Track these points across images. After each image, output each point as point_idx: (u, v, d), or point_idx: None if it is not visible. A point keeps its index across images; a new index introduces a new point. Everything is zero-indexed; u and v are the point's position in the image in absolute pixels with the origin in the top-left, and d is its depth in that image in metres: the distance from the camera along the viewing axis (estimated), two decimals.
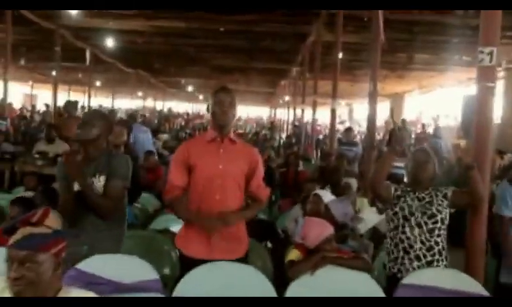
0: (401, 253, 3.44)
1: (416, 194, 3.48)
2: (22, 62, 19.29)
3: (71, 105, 8.85)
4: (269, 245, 4.70)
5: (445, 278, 3.27)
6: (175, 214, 3.57)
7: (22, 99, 33.12)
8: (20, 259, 1.99)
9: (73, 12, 11.59)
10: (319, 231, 3.44)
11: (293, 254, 3.48)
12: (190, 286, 3.08)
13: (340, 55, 10.55)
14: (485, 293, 3.22)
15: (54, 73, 15.31)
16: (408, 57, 15.37)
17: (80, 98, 21.79)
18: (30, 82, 29.54)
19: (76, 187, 3.19)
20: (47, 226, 2.08)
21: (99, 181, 3.26)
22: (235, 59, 18.71)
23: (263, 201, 3.37)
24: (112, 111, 14.47)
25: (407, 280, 3.25)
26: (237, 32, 13.15)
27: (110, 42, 14.75)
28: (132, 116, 11.46)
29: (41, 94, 32.54)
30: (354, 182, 6.55)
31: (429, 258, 3.39)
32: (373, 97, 6.60)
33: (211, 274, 3.11)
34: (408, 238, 3.41)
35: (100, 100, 26.94)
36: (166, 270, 3.88)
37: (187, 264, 3.20)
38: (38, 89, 32.29)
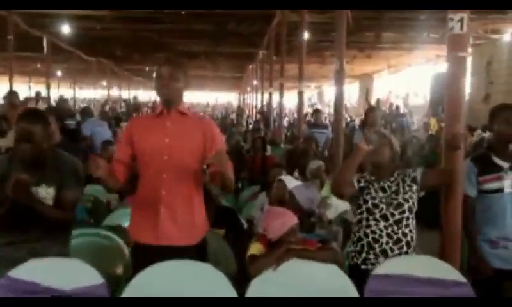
0: (366, 248, 3.15)
1: (381, 183, 3.18)
2: None
3: (13, 95, 8.56)
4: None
5: (420, 265, 3.01)
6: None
7: None
8: None
9: None
10: (281, 221, 3.12)
11: (255, 248, 3.17)
12: (141, 285, 2.75)
13: (306, 36, 10.27)
14: (462, 279, 2.98)
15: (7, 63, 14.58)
16: (375, 35, 15.15)
17: (42, 89, 21.02)
18: None
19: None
20: None
21: (47, 193, 2.92)
22: (201, 44, 18.26)
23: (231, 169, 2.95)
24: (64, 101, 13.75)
25: (378, 270, 2.98)
26: (199, 15, 12.71)
27: (66, 29, 14.13)
28: (85, 110, 10.99)
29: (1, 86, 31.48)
30: (319, 164, 6.26)
31: (396, 252, 3.11)
32: (340, 77, 6.30)
33: (163, 272, 2.77)
34: (373, 232, 3.13)
35: (63, 91, 26.10)
36: (119, 271, 3.53)
37: (136, 250, 3.00)
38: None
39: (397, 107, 18.96)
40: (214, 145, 2.90)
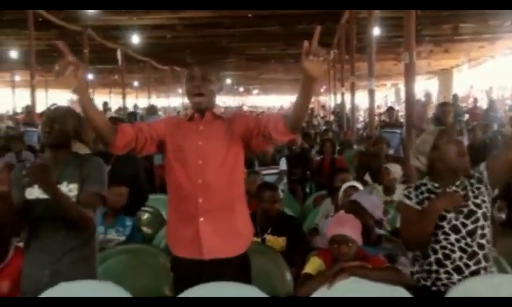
0: (434, 266, 2.65)
1: (446, 190, 2.68)
2: (57, 68, 19.20)
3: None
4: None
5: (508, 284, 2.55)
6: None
7: (70, 105, 33.50)
8: None
9: (93, 11, 11.25)
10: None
11: (313, 264, 2.85)
12: None
13: (377, 31, 9.81)
14: None
15: (89, 76, 15.06)
16: (453, 28, 14.30)
17: (119, 100, 21.64)
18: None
19: (33, 195, 2.65)
20: None
21: (69, 190, 2.69)
22: (271, 47, 18.08)
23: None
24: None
25: (454, 292, 2.54)
26: (267, 17, 12.52)
27: (137, 39, 14.38)
28: (150, 109, 11.01)
29: None
30: (397, 168, 5.81)
31: (473, 268, 2.60)
32: (410, 71, 5.82)
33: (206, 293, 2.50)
34: (442, 247, 2.63)
35: (141, 101, 26.84)
36: (166, 291, 3.28)
37: (176, 264, 2.70)
38: None
39: (475, 100, 17.79)
40: (248, 122, 2.60)
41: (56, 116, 2.74)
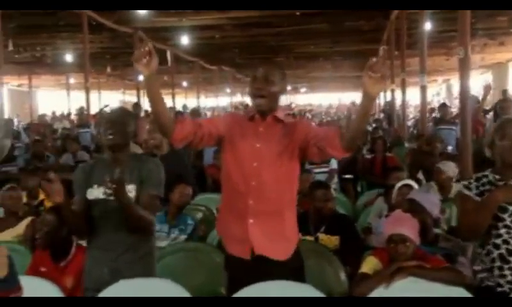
0: (498, 263, 2.56)
1: (508, 183, 2.57)
2: (109, 70, 19.75)
3: (137, 107, 8.74)
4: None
5: None
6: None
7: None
8: None
9: (143, 12, 11.44)
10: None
11: (369, 264, 2.82)
12: None
13: (429, 26, 9.59)
14: None
15: (139, 77, 15.33)
16: (509, 20, 13.82)
17: (168, 101, 21.99)
18: (121, 89, 30.47)
19: (93, 196, 2.72)
20: None
21: (128, 192, 2.74)
22: (319, 45, 17.94)
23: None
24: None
25: None
26: (315, 15, 12.43)
27: (186, 40, 14.55)
28: (194, 111, 11.11)
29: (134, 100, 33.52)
30: (450, 166, 5.66)
31: None
32: (465, 66, 5.66)
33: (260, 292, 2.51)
34: (505, 241, 2.54)
35: (190, 101, 27.19)
36: (222, 290, 3.31)
37: (229, 262, 2.74)
38: (131, 96, 33.25)
39: None
40: (311, 134, 2.58)
41: (116, 118, 2.80)
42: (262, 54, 19.53)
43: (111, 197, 2.60)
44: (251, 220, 2.60)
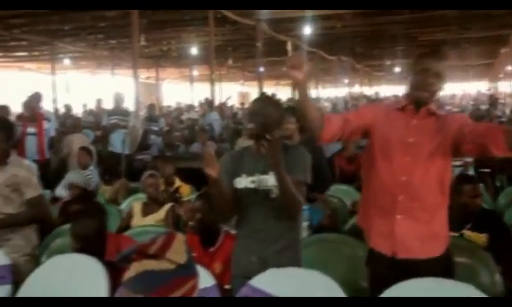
0: None
1: None
2: (230, 62, 20.26)
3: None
4: None
5: None
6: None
7: (237, 97, 35.18)
8: None
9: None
10: None
11: None
12: None
13: None
14: None
15: (260, 69, 15.55)
16: None
17: (287, 91, 22.16)
18: (241, 81, 31.17)
19: (242, 185, 2.74)
20: (169, 260, 1.60)
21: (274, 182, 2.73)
22: (446, 32, 17.06)
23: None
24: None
25: None
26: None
27: (308, 30, 14.48)
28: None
29: (254, 91, 34.15)
30: None
31: None
32: None
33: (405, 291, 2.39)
34: None
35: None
36: (364, 284, 3.22)
37: (372, 257, 2.66)
38: (250, 87, 33.94)
39: None
40: (462, 127, 2.44)
41: (258, 107, 2.78)
42: (384, 42, 19.02)
43: (260, 187, 2.62)
44: (399, 216, 2.51)
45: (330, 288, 2.52)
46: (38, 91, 8.43)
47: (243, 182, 2.72)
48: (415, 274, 2.45)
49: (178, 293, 1.53)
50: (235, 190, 2.74)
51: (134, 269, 1.56)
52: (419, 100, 2.52)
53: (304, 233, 3.74)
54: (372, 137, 2.62)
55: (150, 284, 1.52)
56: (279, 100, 8.76)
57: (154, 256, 1.56)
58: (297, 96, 2.45)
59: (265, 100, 2.88)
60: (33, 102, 8.03)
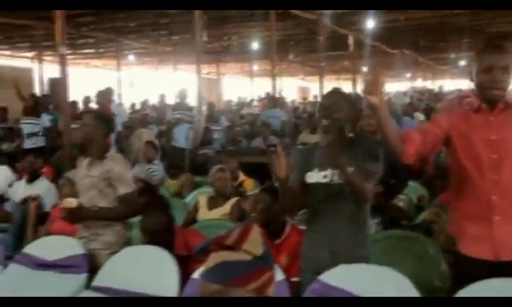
0: None
1: None
2: (291, 57, 20.18)
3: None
4: None
5: None
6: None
7: (297, 92, 35.05)
8: (210, 295, 1.56)
9: None
10: None
11: None
12: None
13: None
14: None
15: (322, 64, 15.40)
16: None
17: (348, 85, 21.88)
18: (301, 76, 31.04)
19: (313, 179, 2.71)
20: (246, 251, 1.60)
21: None
22: None
23: None
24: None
25: None
26: None
27: (371, 24, 14.23)
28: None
29: (315, 85, 33.93)
30: None
31: None
32: None
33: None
34: None
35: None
36: (437, 283, 3.14)
37: (461, 262, 2.57)
38: (310, 82, 33.75)
39: None
40: None
41: (330, 103, 2.75)
42: (448, 35, 18.41)
43: (333, 182, 2.59)
44: (497, 218, 2.43)
45: (403, 286, 2.47)
46: (110, 86, 8.72)
47: (315, 177, 2.70)
48: None
49: (254, 285, 1.53)
50: (306, 185, 2.73)
51: (212, 260, 1.57)
52: (491, 99, 2.45)
53: (373, 230, 3.68)
54: (453, 144, 2.56)
55: (228, 274, 1.53)
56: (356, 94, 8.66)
57: (231, 248, 1.57)
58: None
59: (340, 94, 2.83)
60: (103, 97, 8.31)
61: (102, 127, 3.60)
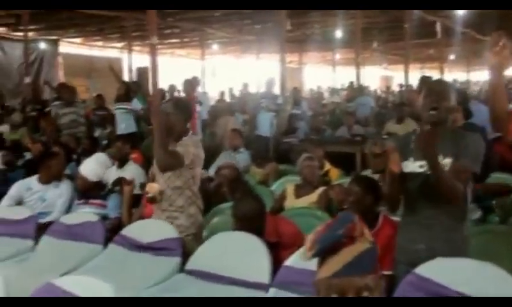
0: None
1: None
2: (375, 45, 19.75)
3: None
4: None
5: None
6: None
7: (379, 81, 34.29)
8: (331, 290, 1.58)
9: None
10: None
11: None
12: None
13: None
14: None
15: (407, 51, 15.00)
16: None
17: (434, 74, 21.13)
18: (384, 64, 30.30)
19: (408, 169, 2.65)
20: (366, 239, 1.59)
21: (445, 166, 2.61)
22: None
23: None
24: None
25: None
26: None
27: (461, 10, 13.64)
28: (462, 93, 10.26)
29: (398, 74, 33.04)
30: None
31: None
32: None
33: None
34: None
35: (456, 75, 25.71)
36: None
37: None
38: (393, 70, 32.89)
39: None
40: None
41: (440, 90, 2.67)
42: None
43: (428, 172, 2.53)
44: None
45: (504, 283, 2.37)
46: (195, 76, 8.93)
47: (410, 166, 2.65)
48: None
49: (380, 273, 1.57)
50: (403, 175, 2.67)
51: (349, 254, 1.59)
52: None
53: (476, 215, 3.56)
54: None
55: (366, 265, 1.57)
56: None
57: (356, 238, 1.60)
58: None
59: (446, 83, 2.76)
60: (189, 86, 8.52)
61: (181, 114, 3.77)
